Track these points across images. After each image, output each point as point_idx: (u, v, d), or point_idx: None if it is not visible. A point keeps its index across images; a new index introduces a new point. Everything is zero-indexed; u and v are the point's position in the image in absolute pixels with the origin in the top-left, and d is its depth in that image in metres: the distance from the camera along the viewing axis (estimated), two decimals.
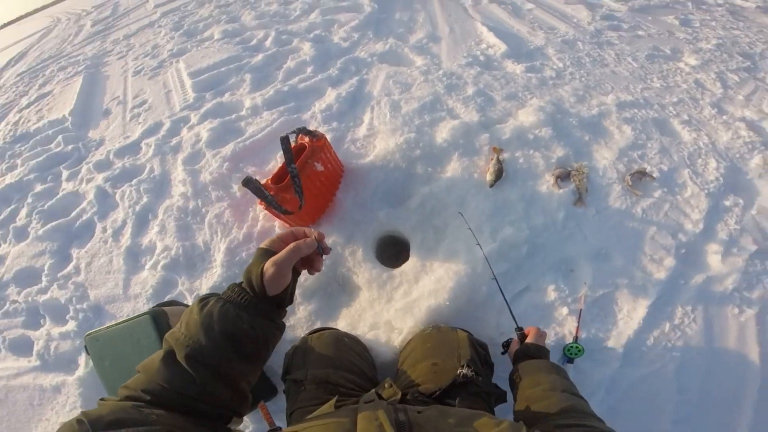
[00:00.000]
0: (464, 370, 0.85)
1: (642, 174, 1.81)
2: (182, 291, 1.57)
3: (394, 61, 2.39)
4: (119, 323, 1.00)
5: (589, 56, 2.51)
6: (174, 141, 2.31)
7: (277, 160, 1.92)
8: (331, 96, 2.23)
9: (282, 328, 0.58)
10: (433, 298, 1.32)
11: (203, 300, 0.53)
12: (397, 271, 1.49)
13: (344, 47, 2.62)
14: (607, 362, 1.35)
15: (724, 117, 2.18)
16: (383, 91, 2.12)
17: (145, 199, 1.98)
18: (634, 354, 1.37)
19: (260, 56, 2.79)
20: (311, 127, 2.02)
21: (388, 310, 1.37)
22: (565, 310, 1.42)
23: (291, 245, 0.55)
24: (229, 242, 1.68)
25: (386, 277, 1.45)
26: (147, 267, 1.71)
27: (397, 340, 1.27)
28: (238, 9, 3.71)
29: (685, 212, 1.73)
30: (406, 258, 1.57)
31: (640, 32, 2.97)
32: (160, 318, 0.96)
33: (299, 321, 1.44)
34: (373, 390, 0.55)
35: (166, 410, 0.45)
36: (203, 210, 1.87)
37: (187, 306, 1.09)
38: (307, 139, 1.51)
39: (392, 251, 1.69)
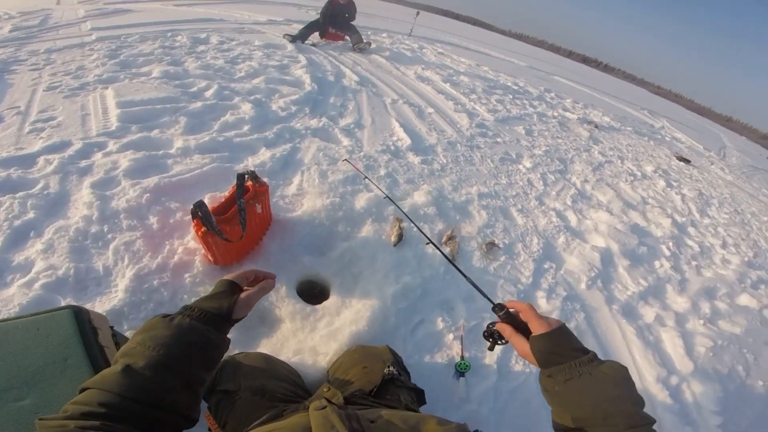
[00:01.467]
0: (391, 368, 0.96)
1: (492, 245, 2.46)
2: None
3: (325, 137, 2.76)
4: (16, 317, 0.81)
5: (464, 156, 3.33)
6: (83, 163, 2.08)
7: (203, 201, 1.94)
8: (265, 155, 2.41)
9: (228, 341, 0.65)
10: (354, 325, 1.51)
11: (166, 317, 0.58)
12: (319, 306, 1.65)
13: (282, 116, 2.89)
14: (487, 376, 1.68)
15: (543, 207, 3.12)
16: (313, 160, 2.42)
17: (31, 215, 1.71)
18: (504, 369, 1.76)
19: (199, 104, 2.82)
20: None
21: (312, 338, 1.48)
22: (451, 336, 1.78)
23: (262, 284, 0.73)
24: (137, 270, 1.55)
25: (309, 310, 1.59)
26: (16, 284, 1.42)
27: (324, 360, 1.37)
28: (182, 54, 3.66)
29: (521, 271, 2.38)
30: (324, 299, 1.75)
31: (499, 139, 4.04)
32: (81, 314, 0.81)
33: None
34: (323, 397, 0.53)
35: (125, 425, 0.44)
36: (109, 236, 1.70)
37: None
38: (251, 182, 1.66)
39: (312, 292, 1.85)
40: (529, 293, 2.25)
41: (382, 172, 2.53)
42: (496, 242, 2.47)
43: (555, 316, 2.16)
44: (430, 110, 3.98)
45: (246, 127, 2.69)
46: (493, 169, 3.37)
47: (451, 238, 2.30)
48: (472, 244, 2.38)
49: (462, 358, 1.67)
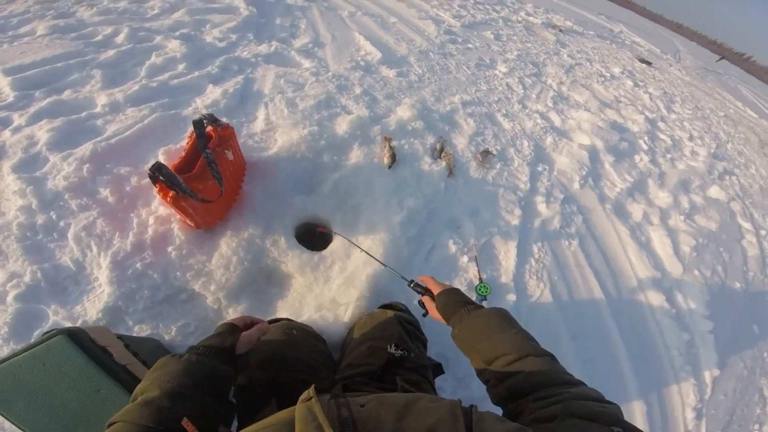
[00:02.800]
0: (393, 350, 0.88)
1: (487, 153, 2.33)
2: (59, 321, 1.17)
3: (281, 62, 2.34)
4: (8, 356, 0.70)
5: (439, 65, 3.04)
6: None
7: (159, 159, 1.64)
8: (214, 92, 2.02)
9: (235, 373, 0.69)
10: (369, 267, 1.38)
11: (175, 356, 0.63)
12: (326, 252, 1.47)
13: (221, 47, 2.40)
14: (506, 297, 1.66)
15: (527, 110, 2.99)
16: (275, 89, 2.05)
17: None
18: (521, 287, 1.75)
19: (111, 52, 2.28)
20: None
21: (329, 289, 1.35)
22: (465, 259, 1.70)
23: (259, 326, 0.78)
24: (112, 256, 1.32)
25: (318, 259, 1.42)
26: None
27: (346, 314, 1.26)
28: (69, 5, 2.88)
29: (517, 176, 2.31)
30: (325, 243, 1.57)
31: (470, 45, 3.75)
32: (79, 336, 0.73)
33: None
34: (312, 386, 0.49)
35: None
36: (61, 224, 1.42)
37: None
38: (210, 127, 1.37)
39: (311, 239, 1.68)
40: (529, 200, 2.20)
41: (358, 90, 2.23)
42: (490, 149, 2.34)
43: (555, 221, 2.14)
44: (393, 20, 3.55)
45: (180, 66, 2.22)
46: (471, 76, 3.14)
47: (443, 150, 2.14)
48: (467, 155, 2.23)
49: (480, 280, 1.62)
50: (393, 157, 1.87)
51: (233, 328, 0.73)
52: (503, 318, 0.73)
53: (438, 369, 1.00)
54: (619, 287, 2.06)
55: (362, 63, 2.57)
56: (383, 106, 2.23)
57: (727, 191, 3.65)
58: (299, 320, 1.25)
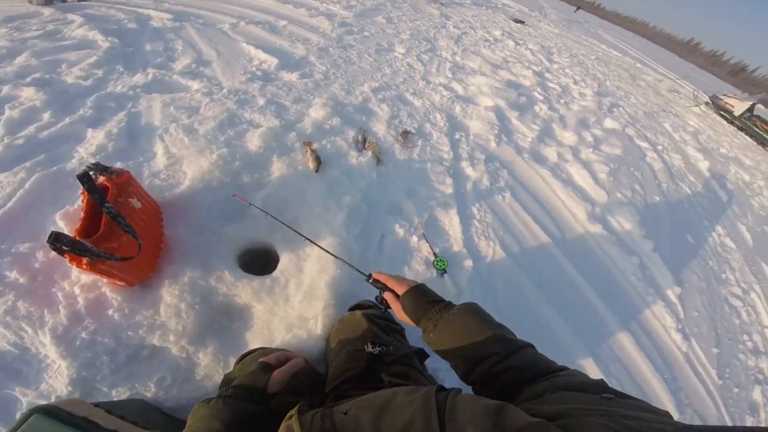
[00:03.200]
0: (370, 348, 0.88)
1: (407, 133, 2.40)
2: (31, 401, 1.05)
3: (165, 88, 2.10)
4: None
5: (341, 58, 3.03)
6: None
7: (59, 226, 1.40)
8: (97, 137, 1.76)
9: (267, 411, 0.65)
10: (324, 274, 1.34)
11: (205, 401, 0.62)
12: (276, 272, 1.40)
13: (87, 85, 2.08)
14: (463, 264, 1.72)
15: (431, 85, 3.14)
16: (167, 118, 1.85)
17: None
18: (472, 250, 1.83)
19: None
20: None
21: (292, 307, 1.29)
22: (415, 239, 1.75)
23: (293, 362, 0.75)
24: (51, 332, 1.17)
25: (270, 282, 1.35)
26: None
27: (317, 327, 1.23)
28: None
29: (439, 149, 2.42)
30: (275, 265, 1.51)
31: (366, 33, 3.79)
32: (54, 412, 0.68)
33: (208, 368, 1.17)
34: (297, 406, 0.51)
35: None
36: None
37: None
38: (103, 178, 1.19)
39: (259, 263, 1.58)
40: (456, 167, 2.33)
41: (261, 102, 2.11)
42: (409, 129, 2.42)
43: (484, 180, 2.29)
44: (283, 23, 3.42)
45: (45, 115, 1.88)
46: (374, 63, 3.20)
47: (366, 140, 2.16)
48: (389, 139, 2.28)
49: (435, 255, 1.69)
50: (318, 160, 1.83)
51: (265, 367, 0.72)
52: (479, 316, 0.69)
53: (422, 353, 1.00)
54: (560, 227, 2.27)
55: (258, 73, 2.45)
56: (293, 111, 2.16)
57: (619, 120, 4.29)
58: (273, 345, 1.21)
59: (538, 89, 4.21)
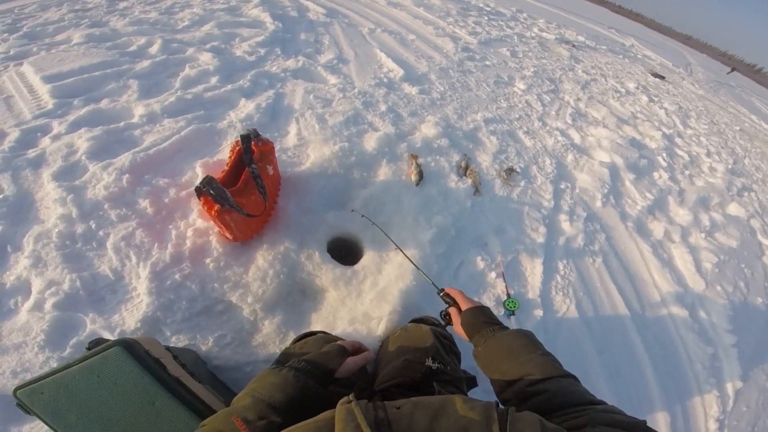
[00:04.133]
0: (430, 363, 0.88)
1: (511, 170, 2.34)
2: (95, 330, 1.17)
3: (308, 77, 2.39)
4: (63, 367, 0.71)
5: (459, 82, 3.08)
6: (31, 153, 1.71)
7: (196, 172, 1.68)
8: (248, 107, 2.07)
9: (328, 394, 0.66)
10: (400, 281, 1.38)
11: (275, 368, 0.64)
12: (358, 266, 1.48)
13: (251, 60, 2.47)
14: (533, 311, 1.66)
15: (547, 127, 3.01)
16: (305, 104, 2.10)
17: None
18: (547, 302, 1.74)
19: (146, 62, 2.36)
20: (230, 137, 1.87)
21: (362, 303, 1.35)
22: (492, 275, 1.71)
23: (366, 354, 0.78)
24: (152, 266, 1.34)
25: (350, 273, 1.43)
26: (25, 309, 1.22)
27: (378, 328, 1.27)
28: (101, 14, 2.99)
29: (541, 194, 2.31)
30: (355, 258, 1.59)
31: (487, 62, 3.79)
32: (135, 348, 0.73)
33: (267, 337, 1.27)
34: (352, 393, 0.50)
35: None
36: (100, 233, 1.45)
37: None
38: (252, 142, 1.40)
39: (343, 252, 1.69)
40: (553, 218, 2.20)
41: (383, 107, 2.26)
42: (514, 167, 2.36)
43: (579, 239, 2.14)
44: (412, 37, 3.61)
45: (213, 79, 2.29)
46: (491, 93, 3.18)
47: (468, 168, 2.16)
48: (491, 173, 2.25)
49: (508, 296, 1.63)
50: (420, 175, 1.89)
51: (342, 351, 0.73)
52: (528, 340, 0.72)
53: (472, 382, 0.99)
54: (643, 303, 2.05)
55: (385, 80, 2.62)
56: (408, 124, 2.27)
57: (747, 208, 3.60)
58: (333, 333, 1.26)
59: (664, 154, 3.74)
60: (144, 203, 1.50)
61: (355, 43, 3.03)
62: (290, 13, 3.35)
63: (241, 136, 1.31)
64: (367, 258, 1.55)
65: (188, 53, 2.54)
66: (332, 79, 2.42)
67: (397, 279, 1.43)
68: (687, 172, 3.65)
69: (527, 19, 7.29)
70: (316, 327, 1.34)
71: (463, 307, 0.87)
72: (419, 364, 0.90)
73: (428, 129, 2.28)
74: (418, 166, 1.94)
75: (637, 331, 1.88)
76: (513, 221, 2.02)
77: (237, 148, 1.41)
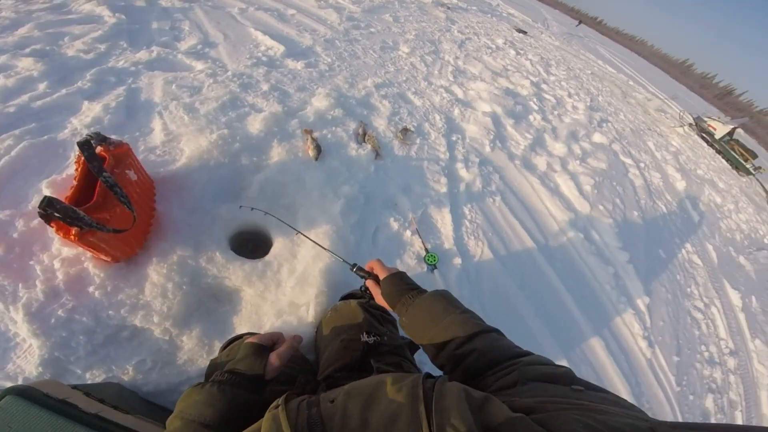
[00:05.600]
0: (366, 338, 0.87)
1: (406, 130, 2.41)
2: None
3: (168, 67, 2.07)
4: None
5: (346, 51, 3.03)
6: None
7: (43, 194, 1.36)
8: (93, 109, 1.72)
9: (262, 399, 0.61)
10: (319, 262, 1.33)
11: (198, 385, 0.60)
12: (269, 256, 1.38)
13: (88, 59, 2.03)
14: (453, 261, 1.75)
15: (432, 86, 3.16)
16: (168, 96, 1.82)
17: None
18: (462, 249, 1.86)
19: None
20: (76, 146, 1.54)
21: (283, 293, 1.27)
22: (408, 233, 1.76)
23: (289, 341, 0.71)
24: (24, 308, 1.11)
25: (262, 266, 1.33)
26: None
27: (308, 314, 1.21)
28: None
29: (436, 148, 2.44)
30: (266, 248, 1.49)
31: (372, 29, 3.79)
32: (30, 393, 0.63)
33: (192, 352, 1.14)
34: (284, 395, 0.49)
35: None
36: None
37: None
38: (100, 148, 1.17)
39: (251, 246, 1.57)
40: (451, 167, 2.35)
41: (265, 87, 2.09)
42: (408, 126, 2.43)
43: (477, 183, 2.33)
44: (292, 11, 3.40)
45: (41, 86, 1.84)
46: (378, 59, 3.20)
47: (366, 134, 2.16)
48: (388, 135, 2.29)
49: (426, 251, 1.70)
50: (318, 149, 1.83)
51: (259, 350, 0.67)
52: (446, 300, 0.71)
53: (413, 345, 1.00)
54: (545, 233, 2.33)
55: (264, 58, 2.43)
56: (297, 99, 2.15)
57: (607, 136, 4.38)
58: (262, 331, 1.19)
59: (534, 99, 4.27)
60: None
61: (224, 25, 2.73)
62: (136, 3, 2.86)
63: (79, 144, 1.07)
64: (278, 245, 1.46)
65: (0, 61, 2.00)
66: (198, 65, 2.14)
67: (314, 260, 1.38)
68: (556, 112, 4.23)
69: None
70: (241, 329, 1.24)
71: (381, 276, 0.83)
72: (356, 341, 0.88)
73: (320, 102, 2.20)
74: (314, 140, 1.87)
75: (546, 261, 2.13)
76: (416, 178, 2.10)
77: (82, 158, 1.17)
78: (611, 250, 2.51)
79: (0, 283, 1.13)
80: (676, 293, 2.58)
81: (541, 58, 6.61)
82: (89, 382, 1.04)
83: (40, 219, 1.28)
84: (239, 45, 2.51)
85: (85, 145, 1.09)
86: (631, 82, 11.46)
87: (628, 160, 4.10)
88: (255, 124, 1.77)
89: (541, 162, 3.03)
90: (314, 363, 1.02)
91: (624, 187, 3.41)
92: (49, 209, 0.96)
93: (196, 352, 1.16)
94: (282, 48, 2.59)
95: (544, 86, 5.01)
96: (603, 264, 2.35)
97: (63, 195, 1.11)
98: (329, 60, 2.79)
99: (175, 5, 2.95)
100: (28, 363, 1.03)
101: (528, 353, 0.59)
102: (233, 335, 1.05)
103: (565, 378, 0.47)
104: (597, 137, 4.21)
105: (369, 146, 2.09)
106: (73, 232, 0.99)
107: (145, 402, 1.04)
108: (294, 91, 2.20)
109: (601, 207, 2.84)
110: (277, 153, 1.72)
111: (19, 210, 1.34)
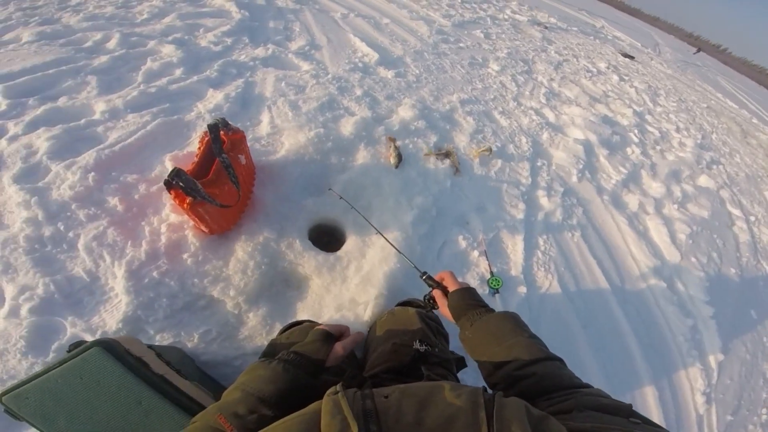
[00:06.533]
0: (418, 346, 0.88)
1: (489, 150, 2.36)
2: (76, 333, 1.14)
3: (279, 65, 2.32)
4: (45, 371, 0.69)
5: (434, 64, 3.08)
6: None
7: (165, 166, 1.62)
8: (216, 97, 2.00)
9: (319, 385, 0.64)
10: (384, 265, 1.38)
11: (264, 361, 0.63)
12: (341, 252, 1.47)
13: (217, 50, 2.37)
14: (517, 288, 1.69)
15: (521, 107, 3.04)
16: (277, 92, 2.04)
17: None
18: (530, 278, 1.78)
19: (104, 57, 2.23)
20: (199, 128, 1.80)
21: (347, 289, 1.34)
22: (475, 253, 1.73)
23: (355, 335, 0.75)
24: (127, 265, 1.30)
25: (333, 259, 1.42)
26: (1, 317, 1.19)
27: (365, 313, 1.26)
28: (52, 11, 2.79)
29: (518, 172, 2.34)
30: (338, 244, 1.57)
31: (462, 44, 3.79)
32: (114, 347, 0.71)
33: (254, 329, 1.25)
34: (340, 382, 0.50)
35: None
36: (70, 235, 1.39)
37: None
38: (222, 132, 1.35)
39: (325, 239, 1.67)
40: (531, 194, 2.24)
41: (359, 92, 2.23)
42: (491, 146, 2.38)
43: (557, 213, 2.18)
44: (386, 20, 3.56)
45: (178, 71, 2.19)
46: (466, 75, 3.19)
47: (449, 152, 2.16)
48: (469, 152, 2.27)
49: (492, 274, 1.65)
50: (399, 157, 1.88)
51: (328, 336, 0.70)
52: (514, 322, 0.72)
53: (461, 362, 1.00)
54: (622, 276, 2.12)
55: (360, 64, 2.58)
56: (384, 107, 2.24)
57: (716, 180, 3.78)
58: (320, 321, 1.25)
59: (635, 131, 3.86)
60: (113, 201, 1.44)
61: (328, 29, 2.96)
62: (257, 1, 3.25)
63: (209, 126, 1.27)
64: (350, 243, 1.54)
65: (149, 46, 2.43)
66: (305, 66, 2.36)
67: (381, 263, 1.43)
68: (658, 147, 3.78)
69: (499, 1, 7.30)
70: (302, 316, 1.32)
71: (451, 288, 0.85)
72: (407, 347, 0.89)
73: (405, 111, 2.27)
74: (397, 148, 1.93)
75: (618, 305, 1.94)
76: (492, 199, 2.04)
77: (206, 138, 1.37)
78: (695, 302, 2.19)
79: (114, 238, 1.34)
80: (757, 354, 2.18)
81: (648, 87, 5.95)
82: (157, 344, 1.13)
83: (159, 186, 1.53)
84: (339, 49, 2.70)
85: (213, 128, 1.27)
86: (754, 120, 9.67)
87: (736, 211, 3.48)
88: (347, 127, 1.89)
89: (632, 200, 2.73)
90: (361, 360, 1.05)
91: (725, 241, 2.92)
92: (176, 179, 1.12)
93: (257, 330, 1.26)
94: (376, 56, 2.73)
95: (648, 117, 4.50)
96: (682, 316, 2.07)
97: (185, 168, 1.27)
98: (417, 71, 2.86)
99: (289, 6, 3.28)
100: (112, 318, 1.16)
101: (588, 386, 0.58)
102: (294, 320, 1.13)
103: (624, 411, 0.46)
104: (703, 180, 3.64)
105: (448, 161, 2.09)
106: (188, 200, 1.13)
107: (200, 370, 1.11)
108: (383, 98, 2.31)
109: (693, 259, 2.47)
110: (361, 156, 1.82)
111: (144, 176, 1.60)
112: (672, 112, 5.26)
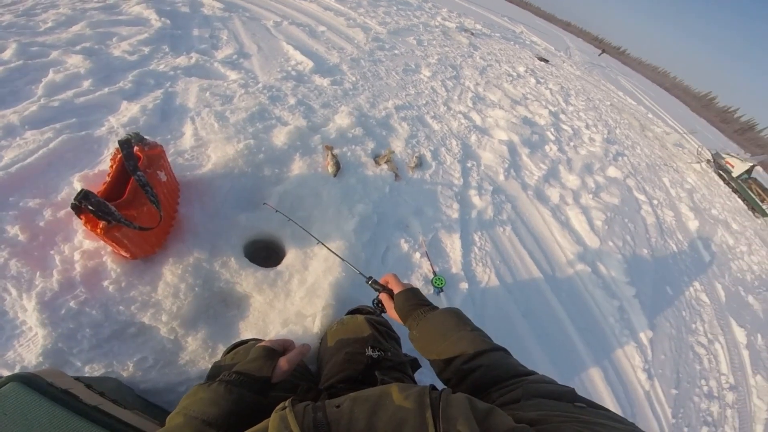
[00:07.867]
0: (371, 352, 0.88)
1: (419, 158, 2.45)
2: None
3: (204, 74, 2.16)
4: None
5: (370, 71, 3.11)
6: None
7: (74, 187, 1.43)
8: (131, 109, 1.80)
9: (267, 402, 0.61)
10: (329, 275, 1.36)
11: (205, 383, 0.60)
12: (281, 266, 1.41)
13: (132, 60, 2.14)
14: (460, 285, 1.76)
15: (451, 111, 3.20)
16: (201, 102, 1.90)
17: None
18: (470, 274, 1.87)
19: None
20: (112, 144, 1.62)
21: (292, 303, 1.30)
22: (417, 255, 1.77)
23: (299, 348, 0.72)
24: (38, 296, 1.13)
25: (274, 275, 1.36)
26: None
27: (314, 325, 1.23)
28: None
29: (451, 174, 2.46)
30: (278, 258, 1.52)
31: (396, 51, 3.88)
32: (34, 381, 0.64)
33: (195, 353, 1.16)
34: (289, 398, 0.48)
35: None
36: None
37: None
38: (137, 147, 1.22)
39: (263, 254, 1.60)
40: (464, 194, 2.37)
41: (292, 101, 2.17)
42: (424, 151, 2.47)
43: (489, 211, 2.33)
44: (322, 28, 3.52)
45: (86, 83, 1.93)
46: (400, 81, 3.28)
47: (387, 158, 2.20)
48: (404, 157, 2.33)
49: (434, 273, 1.71)
50: (337, 165, 1.87)
51: (271, 353, 0.68)
52: (457, 317, 0.74)
53: (415, 363, 1.02)
54: (552, 265, 2.32)
55: (294, 73, 2.51)
56: (320, 115, 2.21)
57: (622, 170, 4.33)
58: (266, 338, 1.19)
59: (552, 129, 4.27)
60: (13, 230, 1.23)
61: (259, 37, 2.84)
62: (180, 9, 3.00)
63: (120, 142, 1.13)
64: (291, 256, 1.49)
65: (52, 56, 2.11)
66: (232, 75, 2.23)
67: (325, 273, 1.41)
68: (572, 144, 4.22)
69: (432, 8, 7.64)
70: (246, 335, 1.25)
71: (395, 290, 0.87)
72: (360, 355, 0.89)
73: (342, 119, 2.25)
74: (335, 156, 1.91)
75: (552, 293, 2.11)
76: (429, 201, 2.12)
77: (118, 156, 1.23)
78: (618, 284, 2.48)
79: (18, 270, 1.16)
80: (681, 328, 2.54)
81: (561, 88, 6.63)
82: (87, 375, 1.04)
83: (67, 210, 1.35)
84: (271, 58, 2.60)
85: (125, 144, 1.15)
86: (650, 115, 11.32)
87: (642, 197, 4.04)
88: (280, 137, 1.82)
89: (554, 193, 3.01)
90: (315, 374, 1.03)
91: (635, 224, 3.36)
92: (84, 202, 0.99)
93: (198, 354, 1.17)
94: (311, 64, 2.68)
95: (562, 116, 5.02)
96: (609, 297, 2.32)
97: (95, 190, 1.14)
98: (354, 79, 2.87)
99: (216, 14, 3.08)
100: (30, 352, 1.04)
101: (533, 372, 0.60)
102: (238, 340, 1.07)
103: (568, 396, 0.48)
104: (612, 171, 4.17)
105: (386, 167, 2.12)
106: (101, 225, 1.02)
107: (141, 399, 1.04)
108: (319, 107, 2.27)
109: (611, 243, 2.80)
110: (298, 166, 1.77)
111: (49, 200, 1.39)
112: (582, 111, 5.92)
